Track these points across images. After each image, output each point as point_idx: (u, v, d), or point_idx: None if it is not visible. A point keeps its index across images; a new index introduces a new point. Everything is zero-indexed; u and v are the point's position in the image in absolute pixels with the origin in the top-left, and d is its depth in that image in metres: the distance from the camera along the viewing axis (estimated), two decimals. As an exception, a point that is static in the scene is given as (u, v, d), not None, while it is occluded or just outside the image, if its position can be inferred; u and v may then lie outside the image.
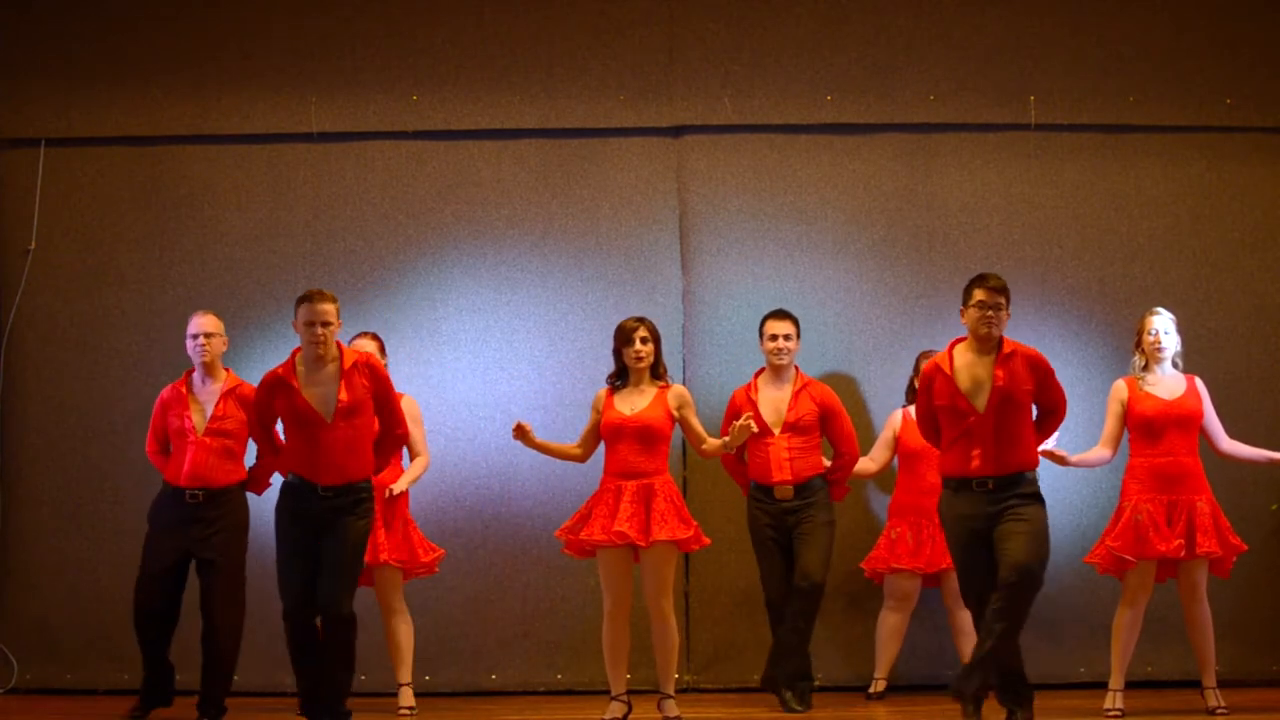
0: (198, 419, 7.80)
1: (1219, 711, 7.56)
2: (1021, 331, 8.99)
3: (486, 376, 9.03)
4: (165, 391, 7.96)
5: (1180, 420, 7.66)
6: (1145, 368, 7.79)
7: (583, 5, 9.18)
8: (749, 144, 9.14)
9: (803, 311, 8.84)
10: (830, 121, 9.12)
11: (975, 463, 6.72)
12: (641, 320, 7.61)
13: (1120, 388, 7.83)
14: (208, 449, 7.74)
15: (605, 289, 9.06)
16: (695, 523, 7.50)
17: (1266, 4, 9.17)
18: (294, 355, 7.29)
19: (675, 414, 7.48)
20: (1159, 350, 7.75)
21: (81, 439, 9.05)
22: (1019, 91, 9.11)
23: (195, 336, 7.87)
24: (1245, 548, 7.74)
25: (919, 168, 9.13)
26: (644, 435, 7.41)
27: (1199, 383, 7.80)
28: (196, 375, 7.92)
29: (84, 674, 8.94)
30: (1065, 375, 8.92)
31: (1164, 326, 7.78)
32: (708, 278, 9.07)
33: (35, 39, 9.21)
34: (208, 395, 7.85)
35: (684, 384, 8.84)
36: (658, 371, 7.58)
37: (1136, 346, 7.85)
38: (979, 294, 6.83)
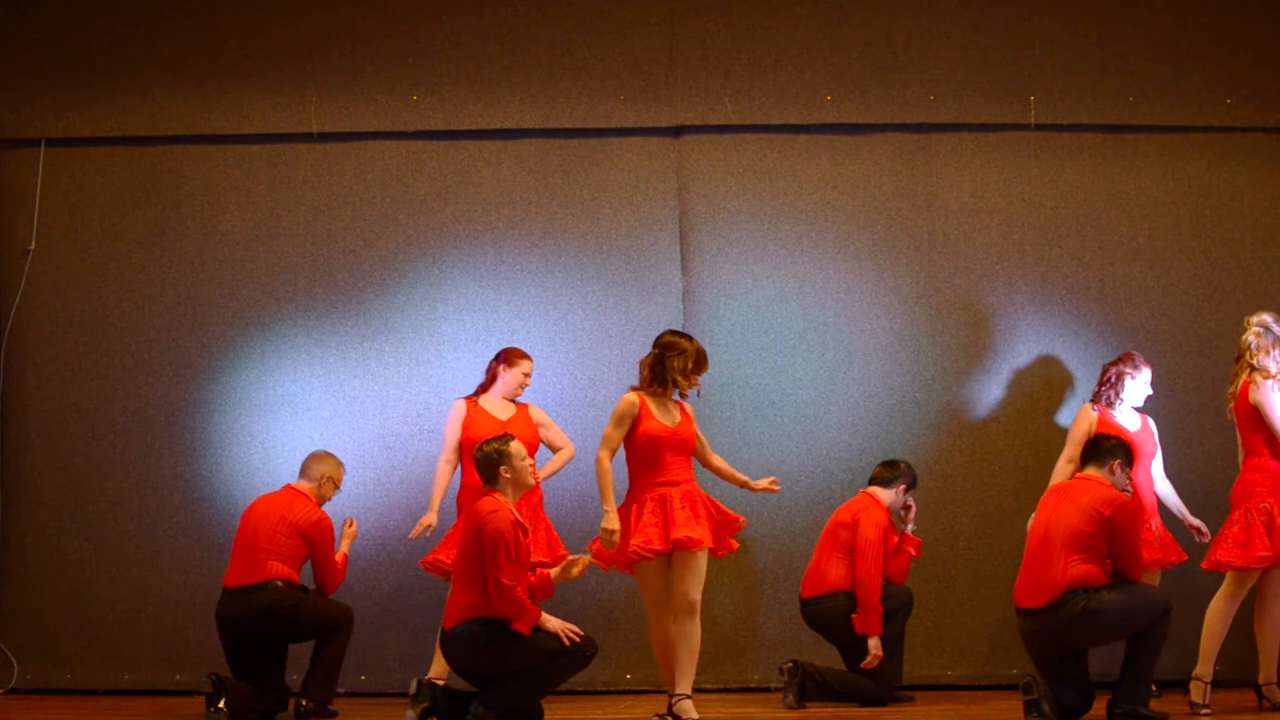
0: None
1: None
2: (1021, 331, 9.01)
3: (487, 376, 9.03)
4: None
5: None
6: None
7: (583, 5, 9.18)
8: (749, 144, 9.14)
9: (802, 311, 8.84)
10: (830, 121, 9.12)
11: None
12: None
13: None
14: None
15: (605, 289, 9.06)
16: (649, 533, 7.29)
17: (1266, 4, 9.18)
18: None
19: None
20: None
21: (81, 439, 9.05)
22: (1019, 91, 9.11)
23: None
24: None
25: (919, 168, 9.12)
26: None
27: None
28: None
29: (84, 674, 8.94)
30: (1065, 375, 8.98)
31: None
32: (708, 278, 9.07)
33: (35, 39, 9.21)
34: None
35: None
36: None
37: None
38: None
